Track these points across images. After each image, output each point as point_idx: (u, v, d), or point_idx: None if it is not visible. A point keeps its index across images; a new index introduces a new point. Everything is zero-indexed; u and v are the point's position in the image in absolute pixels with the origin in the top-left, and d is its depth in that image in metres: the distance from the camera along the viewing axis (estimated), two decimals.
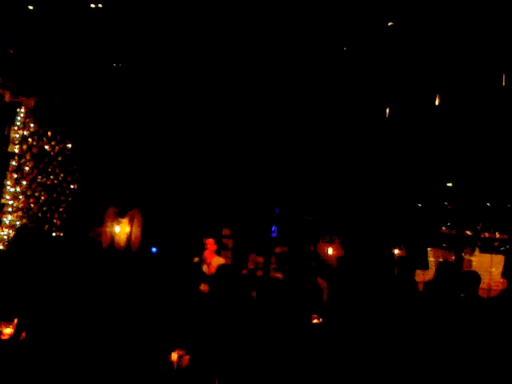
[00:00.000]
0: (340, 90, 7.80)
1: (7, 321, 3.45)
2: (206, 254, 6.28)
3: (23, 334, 3.42)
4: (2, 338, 3.44)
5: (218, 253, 6.95)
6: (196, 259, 6.34)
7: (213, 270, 5.90)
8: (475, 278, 4.82)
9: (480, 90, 6.95)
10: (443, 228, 10.03)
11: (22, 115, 7.84)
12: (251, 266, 8.01)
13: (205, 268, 6.12)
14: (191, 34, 6.94)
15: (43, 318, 3.65)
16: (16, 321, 3.48)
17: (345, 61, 7.17)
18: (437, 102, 7.01)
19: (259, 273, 6.83)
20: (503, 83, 6.39)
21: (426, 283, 5.33)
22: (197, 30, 6.86)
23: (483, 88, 6.88)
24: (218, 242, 7.32)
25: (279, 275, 6.27)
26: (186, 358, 3.51)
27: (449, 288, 4.74)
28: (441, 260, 9.36)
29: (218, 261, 6.03)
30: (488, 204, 9.16)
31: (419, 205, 9.44)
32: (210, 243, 6.40)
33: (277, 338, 3.80)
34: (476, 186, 8.90)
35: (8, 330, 3.44)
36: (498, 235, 9.79)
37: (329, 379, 3.73)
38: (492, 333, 4.20)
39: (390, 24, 6.40)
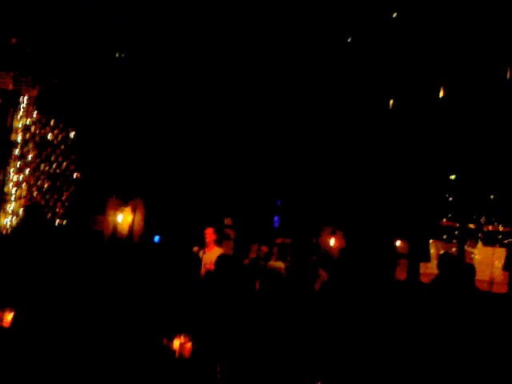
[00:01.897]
0: (343, 81, 7.78)
1: (9, 307, 3.46)
2: (206, 243, 6.24)
3: (24, 321, 3.43)
4: (4, 324, 3.45)
5: (220, 242, 6.92)
6: (195, 248, 6.30)
7: (212, 260, 5.87)
8: (470, 270, 4.82)
9: (484, 83, 6.92)
10: (445, 220, 10.02)
11: (24, 104, 7.83)
12: (253, 255, 8.01)
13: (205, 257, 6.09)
14: (194, 30, 6.92)
15: (44, 304, 3.67)
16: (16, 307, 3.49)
17: (348, 53, 7.14)
18: (441, 95, 6.99)
19: (262, 262, 6.83)
20: (507, 76, 6.36)
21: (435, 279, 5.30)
22: (200, 27, 6.85)
23: (487, 81, 6.85)
24: (220, 232, 7.28)
25: (281, 264, 6.26)
26: (188, 345, 3.51)
27: (452, 280, 4.74)
28: (441, 252, 9.38)
29: (217, 251, 6.00)
30: (491, 197, 9.14)
31: (422, 197, 9.43)
32: (209, 233, 6.35)
33: (279, 327, 3.82)
34: (479, 179, 8.88)
35: (10, 317, 3.44)
36: (501, 228, 9.78)
37: (330, 368, 3.75)
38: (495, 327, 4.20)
39: (394, 15, 6.37)
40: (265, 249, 6.86)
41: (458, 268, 4.97)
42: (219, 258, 4.47)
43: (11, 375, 3.06)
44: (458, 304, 4.43)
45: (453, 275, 4.86)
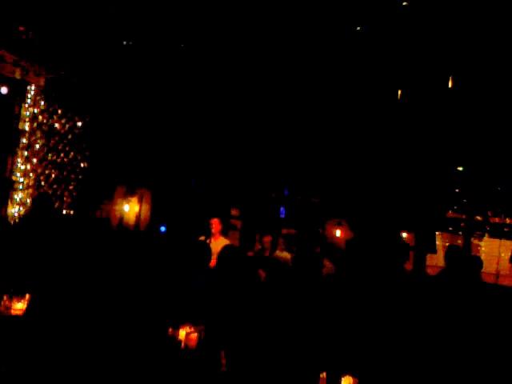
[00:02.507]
0: (349, 71, 7.72)
1: (19, 296, 3.49)
2: (212, 233, 6.24)
3: (35, 309, 3.47)
4: (14, 313, 3.48)
5: (226, 233, 6.94)
6: (202, 238, 6.32)
7: (218, 250, 5.89)
8: (477, 262, 4.82)
9: (493, 73, 6.85)
10: (451, 212, 10.00)
11: (32, 93, 7.84)
12: (259, 246, 8.03)
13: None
14: (199, 25, 6.89)
15: (55, 293, 3.70)
16: (28, 296, 3.52)
17: (356, 42, 7.08)
18: (450, 85, 6.93)
19: (266, 253, 6.84)
20: None
21: (441, 271, 5.30)
22: (204, 23, 6.82)
23: (496, 71, 6.78)
24: (226, 223, 7.29)
25: (287, 255, 6.26)
26: (194, 336, 3.54)
27: (459, 273, 4.74)
28: (447, 244, 9.36)
29: (222, 241, 6.01)
30: (498, 189, 9.09)
31: (428, 189, 9.40)
32: (215, 223, 6.34)
33: (284, 317, 3.84)
34: (486, 171, 8.83)
35: (20, 305, 3.48)
36: (507, 220, 9.74)
37: (335, 358, 3.77)
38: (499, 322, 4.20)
39: (404, 4, 6.29)
40: (267, 239, 6.85)
41: (464, 260, 4.97)
42: (223, 248, 4.49)
43: (23, 362, 3.10)
44: (464, 296, 4.44)
45: (459, 267, 4.86)
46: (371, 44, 7.04)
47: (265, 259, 6.31)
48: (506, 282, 9.40)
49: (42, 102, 7.98)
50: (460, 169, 9.21)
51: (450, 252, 5.08)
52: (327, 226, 10.20)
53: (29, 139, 7.84)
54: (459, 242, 9.88)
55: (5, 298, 3.46)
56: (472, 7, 6.07)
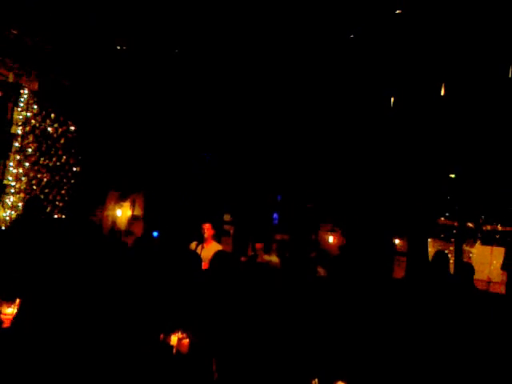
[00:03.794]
0: (343, 78, 7.77)
1: (9, 300, 3.46)
2: (204, 239, 6.22)
3: (25, 314, 3.44)
4: (4, 318, 3.45)
5: (219, 238, 6.91)
6: (194, 244, 6.29)
7: (210, 255, 5.87)
8: (469, 269, 4.85)
9: (485, 81, 6.91)
10: (443, 219, 10.05)
11: (25, 97, 7.81)
12: (252, 252, 8.02)
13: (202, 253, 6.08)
14: (196, 27, 6.91)
15: (45, 298, 3.67)
16: (18, 301, 3.49)
17: (350, 49, 7.13)
18: (442, 92, 6.98)
19: (259, 259, 6.83)
20: (510, 75, 6.34)
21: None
22: (201, 25, 6.84)
23: (489, 79, 6.84)
24: (219, 228, 7.27)
25: (275, 259, 6.24)
26: (186, 341, 3.52)
27: (443, 277, 4.77)
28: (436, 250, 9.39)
29: (215, 246, 5.99)
30: (490, 196, 9.15)
31: (421, 195, 9.44)
32: (208, 228, 6.32)
33: (275, 324, 3.83)
34: (478, 178, 8.89)
35: (10, 311, 3.45)
36: (499, 227, 9.80)
37: (327, 364, 3.76)
38: (490, 325, 4.21)
39: (397, 12, 6.35)
40: (259, 245, 6.84)
41: (457, 266, 4.99)
42: (215, 254, 4.47)
43: (13, 369, 3.07)
44: (456, 302, 4.45)
45: (447, 273, 4.89)
46: (365, 51, 7.09)
47: (252, 265, 6.29)
48: (497, 290, 9.43)
49: (35, 106, 7.94)
50: (452, 176, 9.27)
51: (436, 258, 5.10)
52: (320, 232, 10.21)
53: (21, 143, 7.80)
54: (451, 248, 9.92)
55: None
56: (465, 15, 6.13)
